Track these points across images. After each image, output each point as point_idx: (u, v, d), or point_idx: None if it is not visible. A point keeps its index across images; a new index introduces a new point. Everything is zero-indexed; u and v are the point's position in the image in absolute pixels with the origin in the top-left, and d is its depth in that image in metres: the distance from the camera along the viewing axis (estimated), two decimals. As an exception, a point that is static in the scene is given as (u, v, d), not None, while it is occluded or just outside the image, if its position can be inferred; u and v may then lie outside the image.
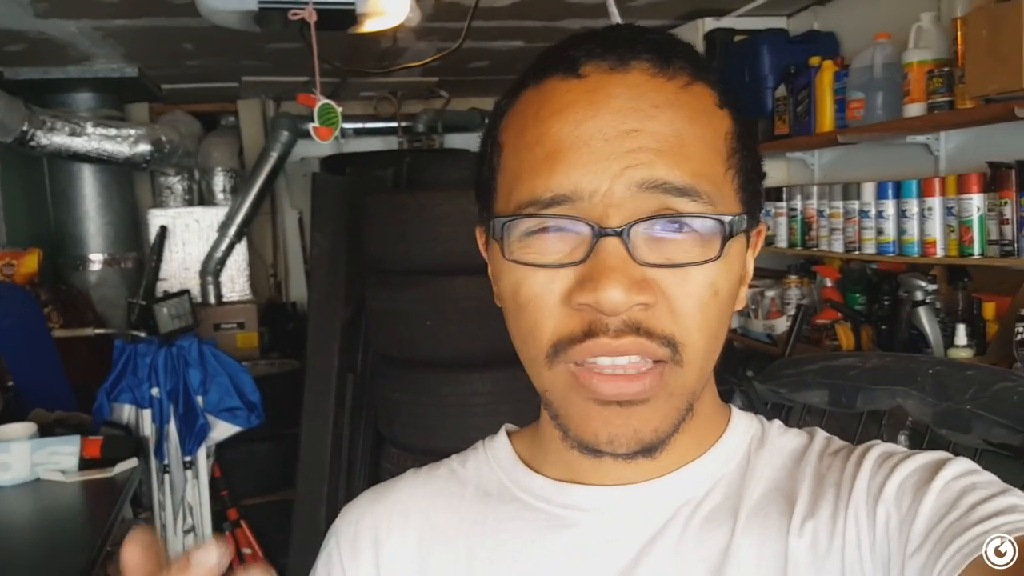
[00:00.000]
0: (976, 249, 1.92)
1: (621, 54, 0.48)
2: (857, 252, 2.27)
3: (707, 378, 0.50)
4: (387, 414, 2.44)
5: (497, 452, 0.59)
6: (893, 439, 1.40)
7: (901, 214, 2.12)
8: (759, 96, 2.59)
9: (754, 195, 0.51)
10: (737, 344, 2.68)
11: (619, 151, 0.46)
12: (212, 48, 3.10)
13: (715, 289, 0.47)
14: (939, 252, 2.03)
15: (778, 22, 2.83)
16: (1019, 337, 1.76)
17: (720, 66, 2.70)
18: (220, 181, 4.02)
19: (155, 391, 2.60)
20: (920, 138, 2.21)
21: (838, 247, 2.34)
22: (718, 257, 0.46)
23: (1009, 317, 1.88)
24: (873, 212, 2.20)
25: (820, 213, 2.43)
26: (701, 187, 0.46)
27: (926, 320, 2.03)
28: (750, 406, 1.14)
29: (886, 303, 2.23)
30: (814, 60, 2.43)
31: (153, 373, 2.60)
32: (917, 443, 1.28)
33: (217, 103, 4.27)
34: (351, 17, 1.75)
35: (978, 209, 1.91)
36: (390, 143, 4.30)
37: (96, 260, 3.69)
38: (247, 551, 3.01)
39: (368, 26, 1.84)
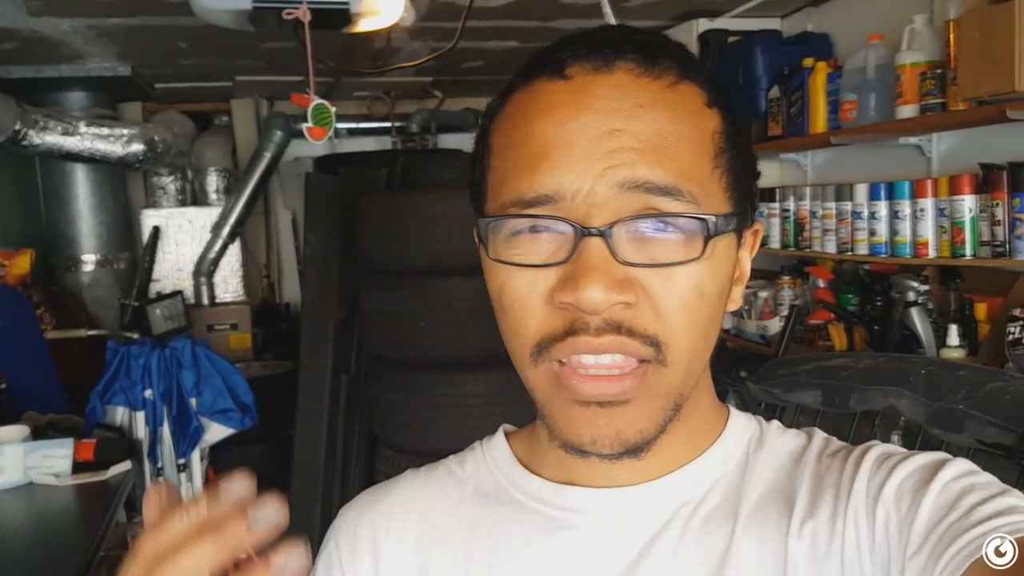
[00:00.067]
0: (968, 250, 1.93)
1: (606, 54, 0.48)
2: (850, 253, 2.28)
3: (696, 379, 0.50)
4: (381, 415, 2.44)
5: (495, 453, 0.59)
6: (886, 439, 1.41)
7: (894, 215, 2.13)
8: (753, 97, 2.60)
9: (746, 195, 0.51)
10: (730, 345, 2.69)
11: (601, 151, 0.46)
12: (206, 47, 3.09)
13: (700, 289, 0.47)
14: (931, 253, 2.04)
15: (772, 23, 2.84)
16: (1011, 337, 1.77)
17: (714, 67, 2.70)
18: (213, 181, 4.01)
19: (148, 393, 2.59)
20: (913, 139, 2.22)
21: (831, 248, 2.35)
22: (701, 256, 0.46)
23: (1001, 318, 1.89)
24: (866, 213, 2.21)
25: (813, 214, 2.44)
26: (684, 186, 0.46)
27: (918, 321, 2.04)
28: (744, 406, 1.14)
29: (879, 304, 2.24)
30: (807, 61, 2.44)
31: (146, 375, 2.59)
32: (910, 443, 1.29)
33: (210, 103, 4.25)
34: (345, 17, 1.74)
35: (970, 210, 1.92)
36: (384, 143, 4.30)
37: (89, 261, 3.67)
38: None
39: (362, 26, 1.83)
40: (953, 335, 1.96)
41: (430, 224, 2.20)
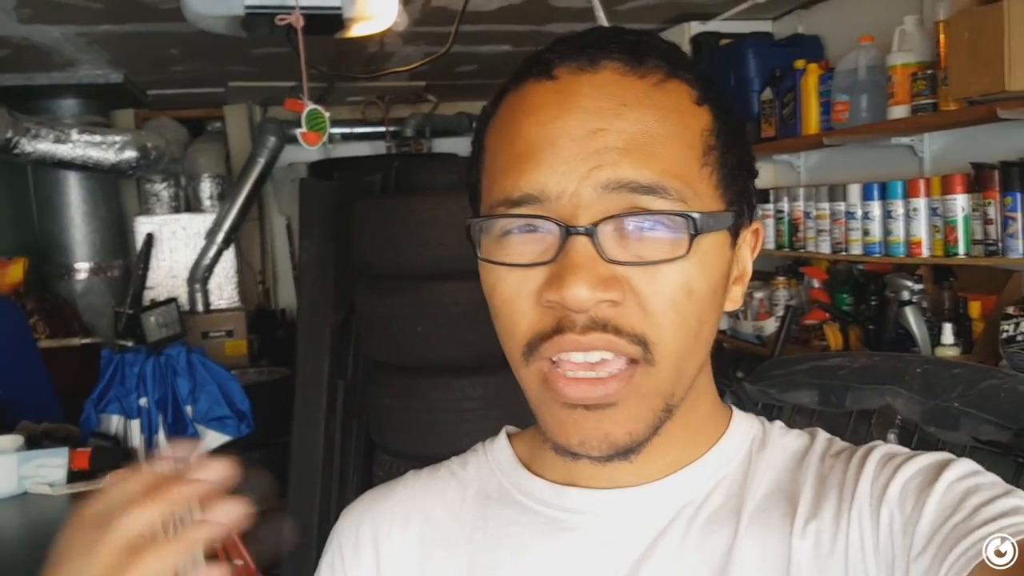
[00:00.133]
0: (961, 249, 1.94)
1: (592, 54, 0.48)
2: (844, 253, 2.29)
3: (689, 379, 0.50)
4: (378, 420, 2.43)
5: (497, 455, 0.59)
6: (882, 438, 1.41)
7: (887, 215, 2.14)
8: (745, 99, 2.61)
9: (741, 192, 0.51)
10: (726, 345, 2.69)
11: (586, 151, 0.46)
12: (198, 53, 3.09)
13: (688, 288, 0.47)
14: (925, 252, 2.04)
15: (763, 26, 2.85)
16: (1004, 335, 1.77)
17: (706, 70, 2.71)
18: (207, 187, 4.00)
19: (143, 401, 2.58)
20: (905, 140, 2.23)
21: (825, 248, 2.36)
22: (687, 254, 0.46)
23: (994, 315, 1.90)
24: (859, 213, 2.22)
25: (807, 215, 2.45)
26: (670, 184, 0.46)
27: (913, 319, 2.05)
28: (740, 407, 1.14)
29: (873, 303, 2.25)
30: (799, 63, 2.45)
31: (141, 383, 2.58)
32: (906, 441, 1.29)
33: (203, 109, 4.25)
34: (338, 22, 1.74)
35: (962, 209, 1.93)
36: (378, 148, 4.30)
37: (82, 269, 3.66)
38: (239, 562, 2.99)
39: (355, 31, 1.83)
40: (948, 333, 1.97)
41: (426, 228, 2.20)
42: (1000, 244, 1.83)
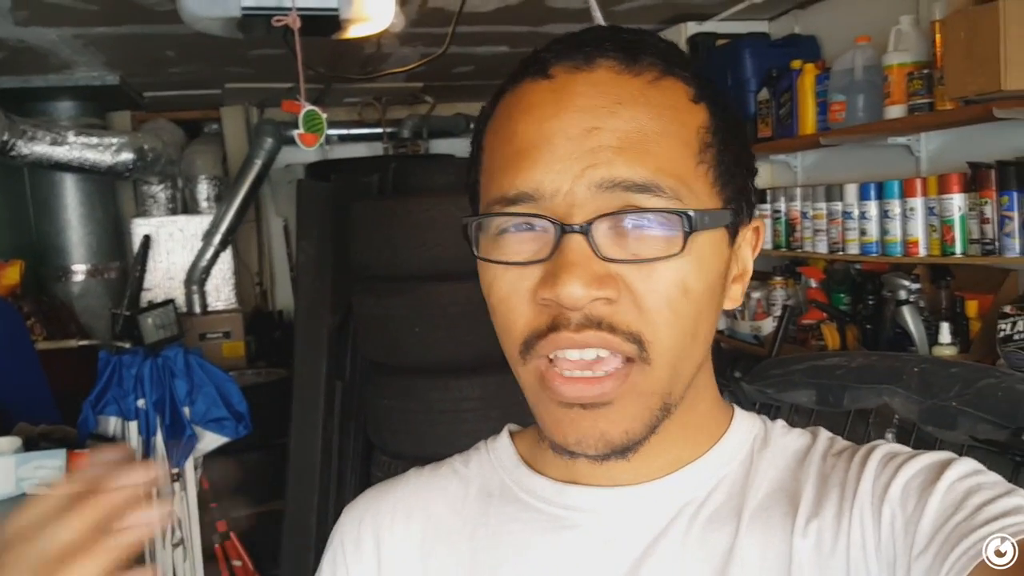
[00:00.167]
0: (958, 248, 1.94)
1: (587, 53, 0.48)
2: (841, 253, 2.29)
3: (687, 378, 0.50)
4: (376, 421, 2.43)
5: (499, 452, 0.59)
6: (880, 437, 1.41)
7: (884, 215, 2.14)
8: (741, 99, 2.61)
9: (739, 190, 0.51)
10: (724, 345, 2.70)
11: (580, 150, 0.46)
12: (194, 55, 3.08)
13: (684, 286, 0.47)
14: (922, 252, 2.05)
15: (759, 26, 2.86)
16: (1002, 334, 1.78)
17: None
18: (204, 189, 3.99)
19: (141, 402, 2.57)
20: (901, 139, 2.23)
21: (822, 248, 2.36)
22: (681, 252, 0.46)
23: (992, 315, 1.90)
24: (856, 213, 2.22)
25: (804, 215, 2.45)
26: (664, 182, 0.46)
27: (910, 319, 2.06)
28: (738, 406, 1.14)
29: (870, 303, 2.25)
30: (795, 63, 2.45)
31: (139, 384, 2.57)
32: (904, 441, 1.29)
33: (200, 110, 4.24)
34: (335, 23, 1.74)
35: (959, 209, 1.93)
36: (375, 149, 4.30)
37: (79, 271, 3.65)
38: (237, 563, 2.98)
39: (352, 32, 1.83)
40: (945, 333, 1.98)
41: (423, 229, 2.20)
42: (997, 243, 1.83)
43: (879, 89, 2.11)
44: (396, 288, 2.29)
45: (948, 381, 1.14)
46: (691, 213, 0.46)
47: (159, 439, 2.62)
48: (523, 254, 0.48)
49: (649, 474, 0.52)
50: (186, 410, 2.63)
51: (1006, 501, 0.43)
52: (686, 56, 0.52)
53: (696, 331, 0.49)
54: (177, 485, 2.68)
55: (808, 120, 2.39)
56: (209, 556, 2.84)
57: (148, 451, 2.60)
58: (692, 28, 2.86)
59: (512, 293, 0.48)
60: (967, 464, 0.47)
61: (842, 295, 2.39)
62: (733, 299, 0.53)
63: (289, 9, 1.65)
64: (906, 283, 2.12)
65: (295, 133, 1.80)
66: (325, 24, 1.74)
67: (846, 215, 2.25)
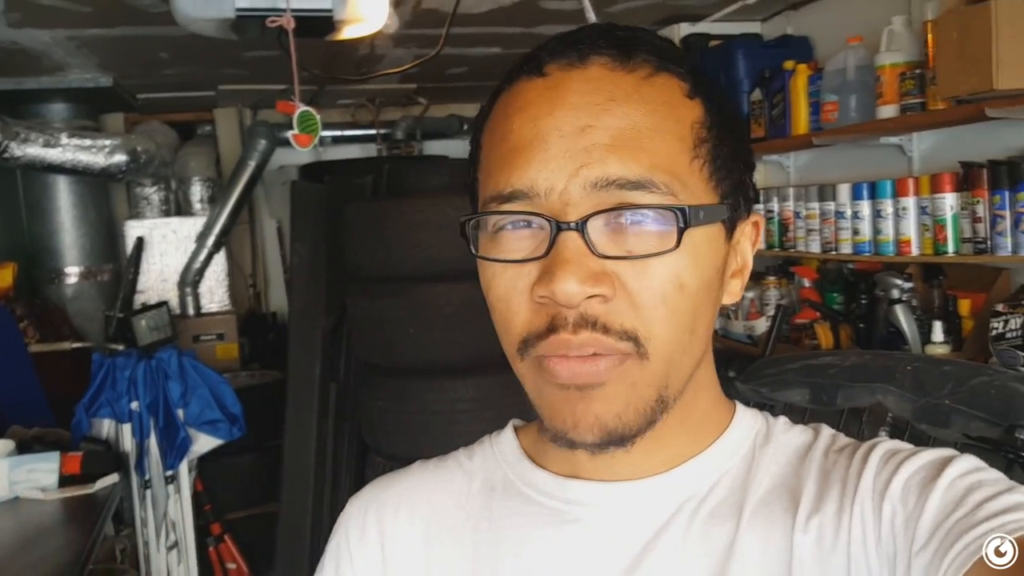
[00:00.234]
0: (950, 247, 1.95)
1: (581, 50, 0.48)
2: (834, 252, 2.30)
3: (685, 373, 0.50)
4: (371, 423, 2.43)
5: (503, 446, 0.59)
6: (874, 435, 1.42)
7: (876, 214, 2.15)
8: (735, 100, 2.62)
9: (736, 185, 0.51)
10: (718, 345, 2.70)
11: (574, 149, 0.46)
12: (188, 57, 3.08)
13: (679, 282, 0.47)
14: (914, 251, 2.06)
15: (752, 27, 2.87)
16: (994, 333, 1.79)
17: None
18: (197, 191, 3.98)
19: (135, 405, 2.56)
20: (893, 139, 2.24)
21: (815, 248, 2.37)
22: (676, 247, 0.46)
23: (984, 313, 1.91)
24: (849, 213, 2.23)
25: (797, 214, 2.46)
26: (658, 179, 0.46)
27: (903, 318, 2.06)
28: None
29: (863, 302, 2.26)
30: (788, 64, 2.46)
31: (132, 387, 2.56)
32: (897, 439, 1.30)
33: (193, 112, 4.23)
34: (329, 24, 1.74)
35: (951, 208, 1.94)
36: (369, 150, 4.29)
37: (72, 273, 3.64)
38: (232, 566, 2.98)
39: (346, 33, 1.83)
40: (938, 331, 1.99)
41: (417, 230, 2.20)
42: (989, 242, 1.84)
43: (871, 89, 2.12)
44: (390, 289, 2.28)
45: (941, 379, 1.15)
46: (685, 208, 0.46)
47: (153, 441, 2.61)
48: (520, 251, 0.48)
49: (650, 469, 0.52)
50: (180, 412, 2.63)
51: (1007, 498, 0.43)
52: (681, 52, 0.52)
53: (693, 326, 0.49)
54: (171, 488, 2.67)
55: (801, 120, 2.40)
56: (203, 559, 2.83)
57: (142, 454, 2.59)
58: (685, 29, 2.87)
59: (510, 291, 0.48)
60: (968, 461, 0.47)
61: (835, 294, 2.40)
62: (732, 294, 0.53)
63: (283, 10, 1.65)
64: (899, 282, 2.13)
65: (290, 134, 1.80)
66: (319, 25, 1.74)
67: (839, 215, 2.26)
